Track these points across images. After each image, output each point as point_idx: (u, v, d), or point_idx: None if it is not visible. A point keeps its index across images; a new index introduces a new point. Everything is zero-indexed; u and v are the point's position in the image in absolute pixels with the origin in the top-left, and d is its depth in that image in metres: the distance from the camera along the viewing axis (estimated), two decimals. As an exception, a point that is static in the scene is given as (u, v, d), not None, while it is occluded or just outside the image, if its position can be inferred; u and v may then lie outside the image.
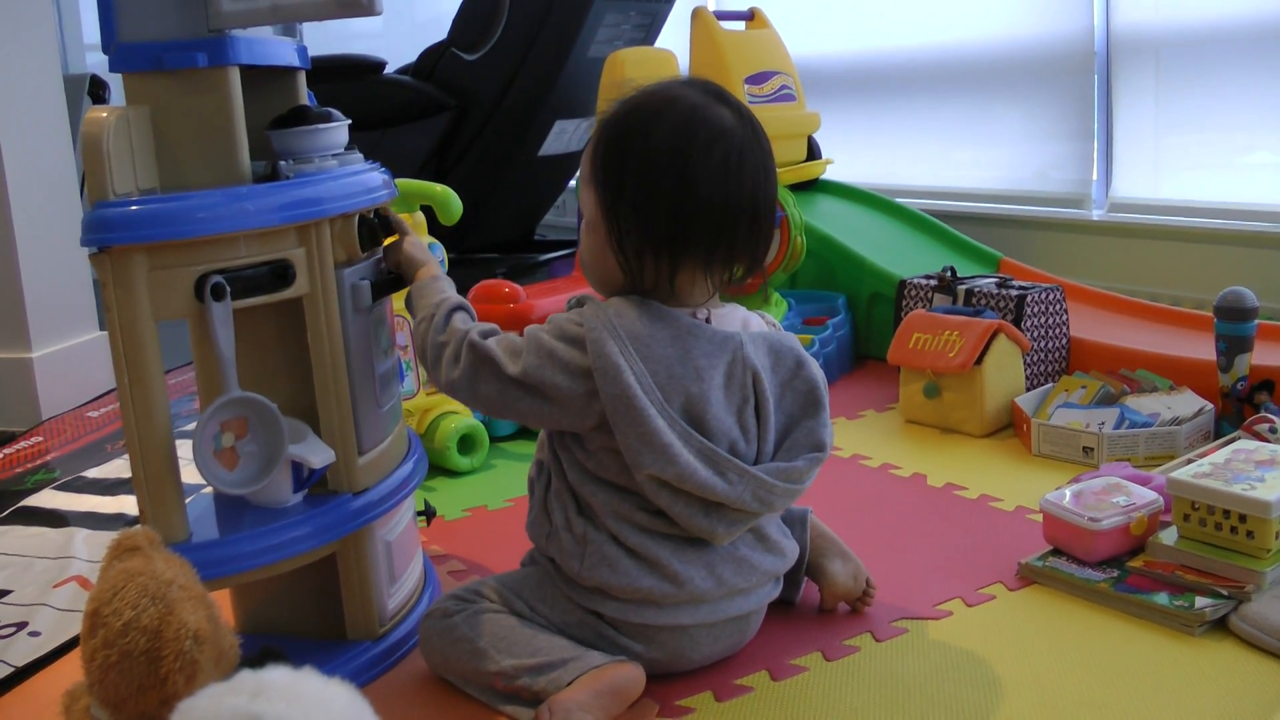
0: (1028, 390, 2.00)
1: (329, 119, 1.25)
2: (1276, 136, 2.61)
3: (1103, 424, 1.81)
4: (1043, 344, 2.05)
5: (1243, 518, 1.32)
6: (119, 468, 2.02)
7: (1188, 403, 1.85)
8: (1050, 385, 2.00)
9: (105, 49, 1.11)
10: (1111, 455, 1.76)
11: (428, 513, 1.50)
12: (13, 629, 1.40)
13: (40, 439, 2.23)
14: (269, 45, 1.20)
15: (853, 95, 3.55)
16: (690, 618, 1.17)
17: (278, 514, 1.17)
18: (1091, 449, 1.77)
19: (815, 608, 1.35)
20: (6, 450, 2.17)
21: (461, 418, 1.90)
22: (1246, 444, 1.47)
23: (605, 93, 3.29)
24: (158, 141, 1.11)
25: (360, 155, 1.29)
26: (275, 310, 1.16)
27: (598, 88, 3.61)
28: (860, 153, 3.38)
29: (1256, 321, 1.81)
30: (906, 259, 2.56)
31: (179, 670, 0.87)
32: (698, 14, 2.91)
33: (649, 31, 3.78)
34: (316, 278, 1.16)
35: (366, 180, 1.22)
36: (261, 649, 0.76)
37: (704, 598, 1.16)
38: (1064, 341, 2.11)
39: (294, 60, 1.28)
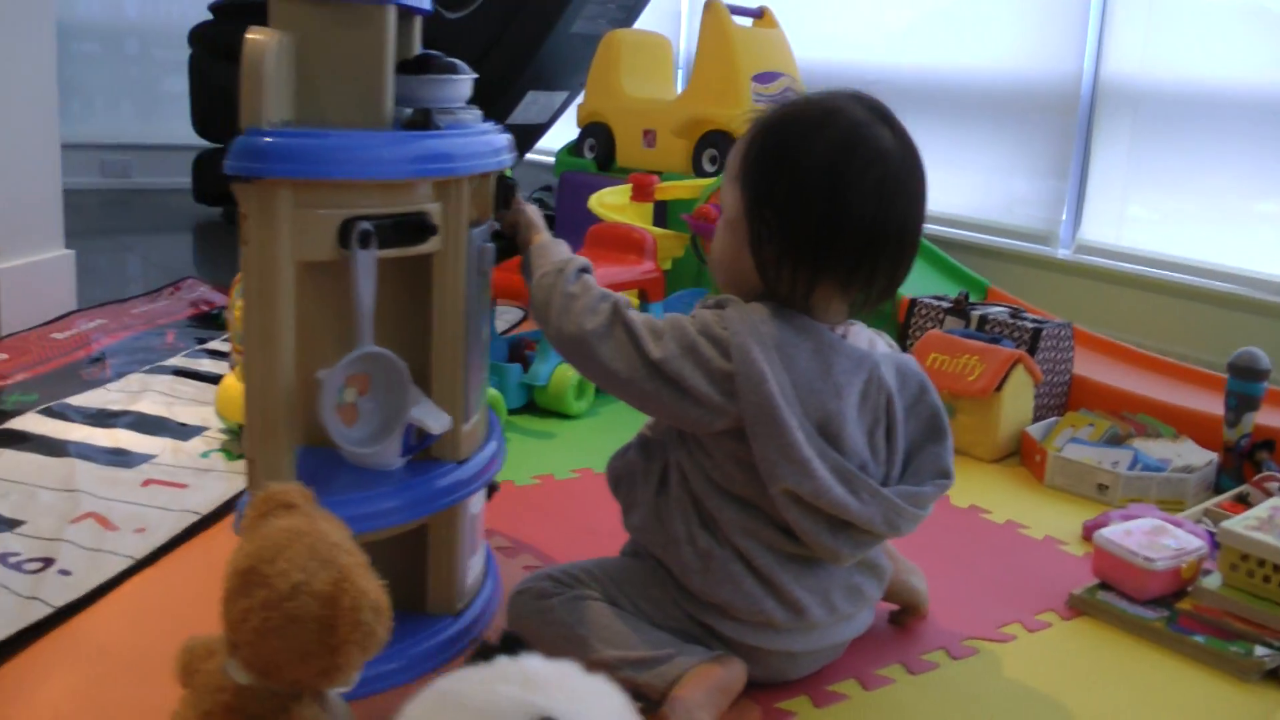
0: (1034, 421, 2.03)
1: (456, 69, 1.19)
2: (1241, 200, 2.71)
3: (1116, 463, 1.84)
4: (1050, 378, 2.09)
5: (1291, 571, 1.36)
6: (103, 398, 1.90)
7: (1194, 452, 1.90)
8: (1055, 419, 2.03)
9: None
10: (1125, 495, 1.80)
11: (493, 486, 1.44)
12: (39, 564, 1.31)
13: (4, 356, 2.09)
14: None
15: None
16: (802, 644, 1.15)
17: (376, 479, 1.10)
18: (1107, 486, 1.80)
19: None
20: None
21: None
22: (1284, 500, 1.51)
23: (596, 71, 3.25)
24: (300, 73, 1.04)
25: (479, 112, 1.23)
26: (387, 266, 1.09)
27: (577, 63, 3.57)
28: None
29: (1267, 384, 1.88)
30: (899, 277, 2.58)
31: (355, 642, 0.81)
32: (711, 6, 2.89)
33: (630, 13, 3.74)
34: (450, 235, 1.10)
35: (496, 140, 1.16)
36: (504, 634, 0.71)
37: (817, 625, 1.15)
38: (1067, 378, 2.15)
39: (423, 2, 1.21)
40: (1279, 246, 2.62)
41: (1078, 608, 1.43)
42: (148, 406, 1.87)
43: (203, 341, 2.29)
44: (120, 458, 1.65)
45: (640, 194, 2.57)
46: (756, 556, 1.12)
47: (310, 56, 1.03)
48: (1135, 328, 2.73)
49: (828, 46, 3.59)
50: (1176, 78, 2.80)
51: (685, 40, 4.11)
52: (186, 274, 2.90)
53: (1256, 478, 1.77)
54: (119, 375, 2.02)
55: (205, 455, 1.69)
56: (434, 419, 1.10)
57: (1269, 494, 1.72)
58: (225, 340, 2.32)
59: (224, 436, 1.77)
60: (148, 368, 2.08)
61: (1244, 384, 1.88)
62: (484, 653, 0.69)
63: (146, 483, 1.57)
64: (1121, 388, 2.12)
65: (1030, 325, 2.09)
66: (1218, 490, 1.88)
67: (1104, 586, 1.46)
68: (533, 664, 0.67)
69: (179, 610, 1.26)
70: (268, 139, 0.96)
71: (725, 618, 1.13)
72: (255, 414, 1.02)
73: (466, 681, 0.66)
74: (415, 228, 1.06)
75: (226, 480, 1.60)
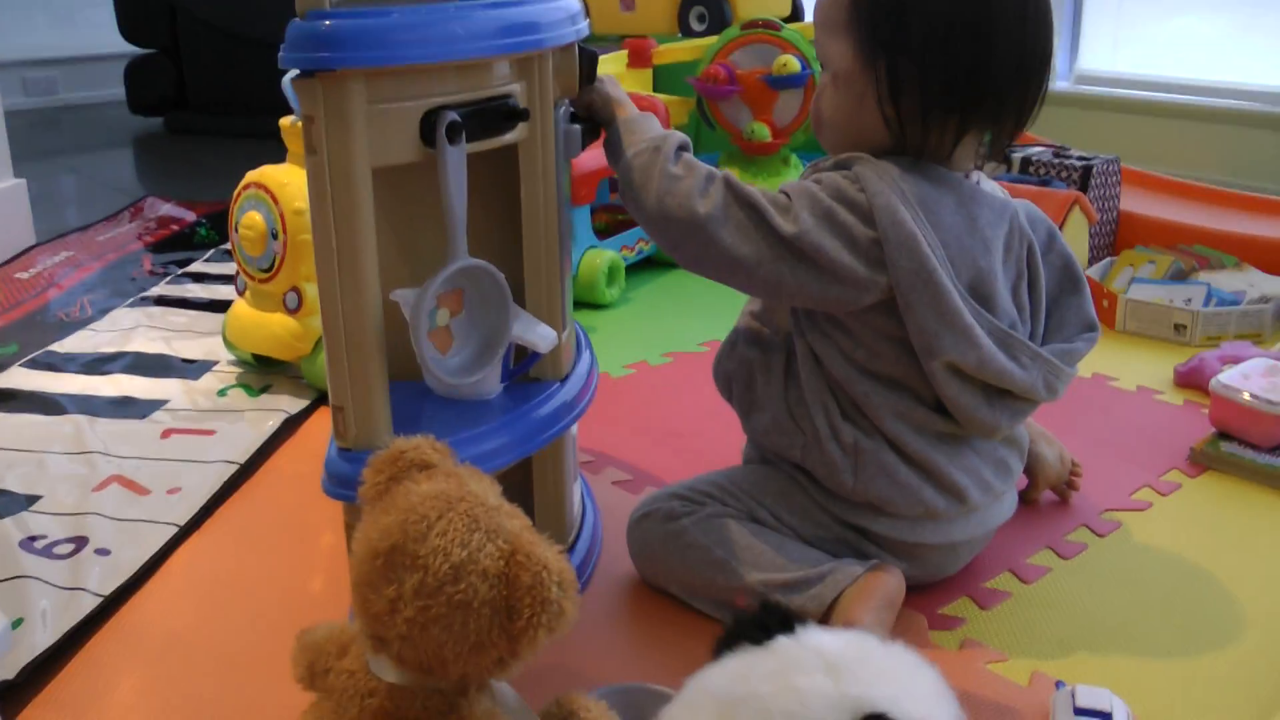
0: (1090, 265, 1.92)
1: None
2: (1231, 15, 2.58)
3: (1189, 300, 1.74)
4: (1101, 216, 1.97)
5: None
6: (92, 341, 1.71)
7: (1264, 280, 1.80)
8: (1110, 259, 1.92)
9: None
10: (1204, 334, 1.70)
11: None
12: (71, 545, 1.15)
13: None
14: None
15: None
16: (962, 532, 1.04)
17: (477, 413, 0.96)
18: (1185, 326, 1.70)
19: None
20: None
21: None
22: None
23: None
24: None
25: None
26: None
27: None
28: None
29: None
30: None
31: (543, 625, 0.67)
32: None
33: None
34: (537, 120, 0.93)
35: (571, 4, 0.98)
36: (762, 604, 0.57)
37: (976, 507, 1.04)
38: (1114, 215, 2.04)
39: None
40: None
41: (1202, 463, 1.34)
42: (143, 344, 1.69)
43: (184, 264, 2.09)
44: (129, 408, 1.48)
45: (637, 60, 2.37)
46: (910, 441, 1.00)
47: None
48: (1150, 157, 2.61)
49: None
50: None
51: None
52: (137, 192, 2.67)
53: (1341, 302, 1.67)
54: (102, 313, 1.83)
55: (223, 393, 1.53)
56: (539, 335, 0.96)
57: (1358, 318, 1.63)
58: (207, 260, 2.12)
59: (238, 369, 1.60)
60: (130, 300, 1.89)
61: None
62: (744, 632, 0.56)
63: (167, 433, 1.41)
64: (1172, 219, 2.01)
65: (1078, 163, 1.96)
66: (1291, 318, 1.79)
67: (1224, 436, 1.36)
68: (822, 641, 0.54)
69: (245, 583, 1.12)
70: (331, 22, 0.78)
71: (881, 515, 1.02)
72: (339, 351, 0.87)
73: (751, 678, 0.53)
74: (503, 113, 0.89)
75: (255, 420, 1.44)
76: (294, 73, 1.43)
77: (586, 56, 0.98)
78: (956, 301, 0.96)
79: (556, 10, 0.93)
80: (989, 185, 1.06)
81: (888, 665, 0.53)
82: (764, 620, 0.56)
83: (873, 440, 1.00)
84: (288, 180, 1.46)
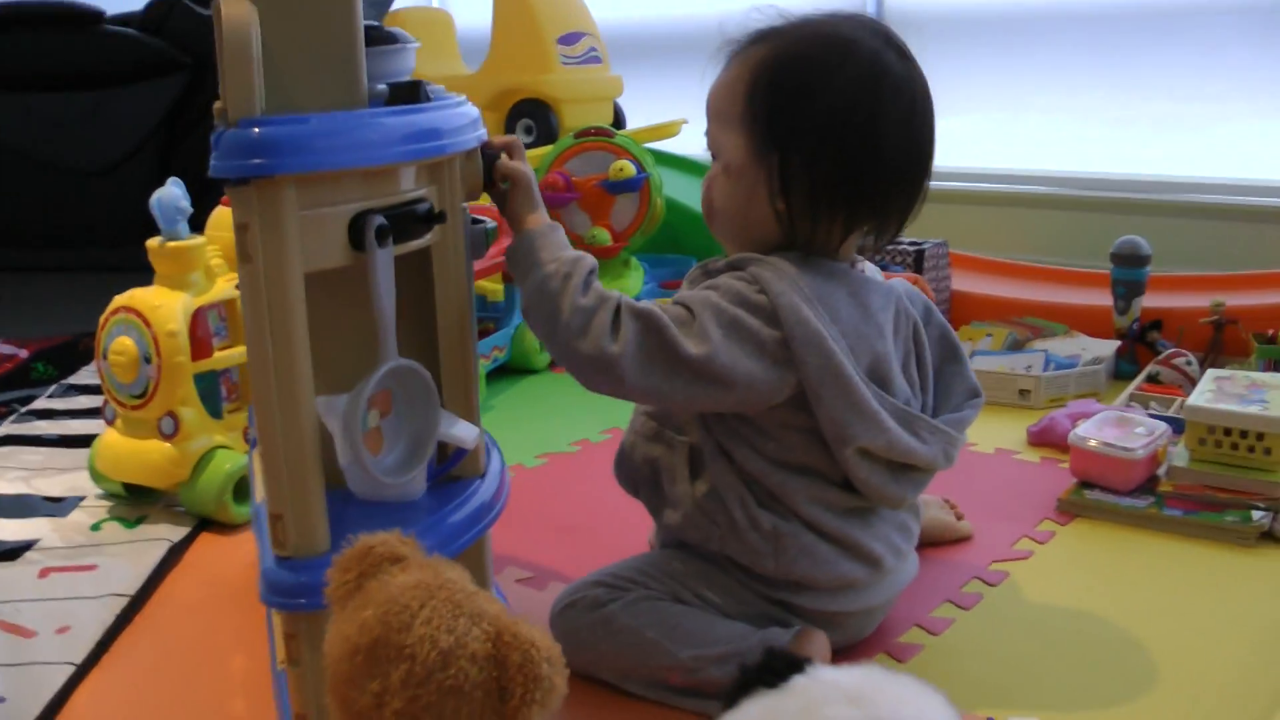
0: (932, 340, 2.04)
1: (398, 39, 1.04)
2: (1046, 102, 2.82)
3: (1030, 367, 1.87)
4: (937, 296, 2.10)
5: (1260, 436, 1.40)
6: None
7: (1094, 344, 1.95)
8: (950, 334, 2.04)
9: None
10: (1047, 397, 1.82)
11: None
12: None
13: None
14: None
15: (652, 60, 3.48)
16: (879, 596, 1.09)
17: (404, 516, 0.95)
18: (1029, 390, 1.83)
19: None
20: None
21: (235, 454, 1.47)
22: (1219, 373, 1.56)
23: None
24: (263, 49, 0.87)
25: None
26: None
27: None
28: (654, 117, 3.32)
29: (1149, 268, 1.95)
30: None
31: (537, 701, 0.68)
32: (501, -32, 2.75)
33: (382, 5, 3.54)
34: (449, 222, 0.96)
35: (471, 109, 1.02)
36: (766, 649, 0.60)
37: (889, 571, 1.09)
38: (948, 295, 2.17)
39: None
40: (1079, 142, 2.76)
41: (1070, 511, 1.44)
42: (0, 486, 1.61)
43: (26, 402, 2.00)
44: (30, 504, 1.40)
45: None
46: (826, 521, 1.04)
47: (270, 29, 0.87)
48: (971, 241, 2.80)
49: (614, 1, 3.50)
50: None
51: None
52: (-44, 333, 2.54)
53: (1162, 356, 1.83)
54: (-55, 458, 1.73)
55: (96, 528, 1.46)
56: (462, 431, 0.97)
57: (1179, 370, 1.79)
58: (51, 397, 2.03)
59: (108, 502, 1.54)
60: (-25, 443, 1.79)
61: (1129, 271, 1.95)
62: (756, 679, 0.58)
63: (44, 572, 1.34)
64: (1003, 295, 2.16)
65: (910, 248, 2.09)
66: (1117, 376, 1.94)
67: (1086, 485, 1.47)
68: (836, 676, 0.57)
69: (159, 715, 1.07)
70: (262, 129, 0.79)
71: (803, 590, 1.06)
72: (275, 460, 0.86)
73: (779, 717, 0.55)
74: (421, 217, 0.91)
75: (138, 550, 1.39)
76: (165, 190, 1.43)
77: (488, 160, 1.02)
78: (863, 390, 1.00)
79: (460, 116, 0.96)
80: (870, 269, 1.13)
81: (902, 691, 0.56)
82: (772, 665, 0.58)
83: (790, 524, 1.04)
84: (159, 303, 1.43)
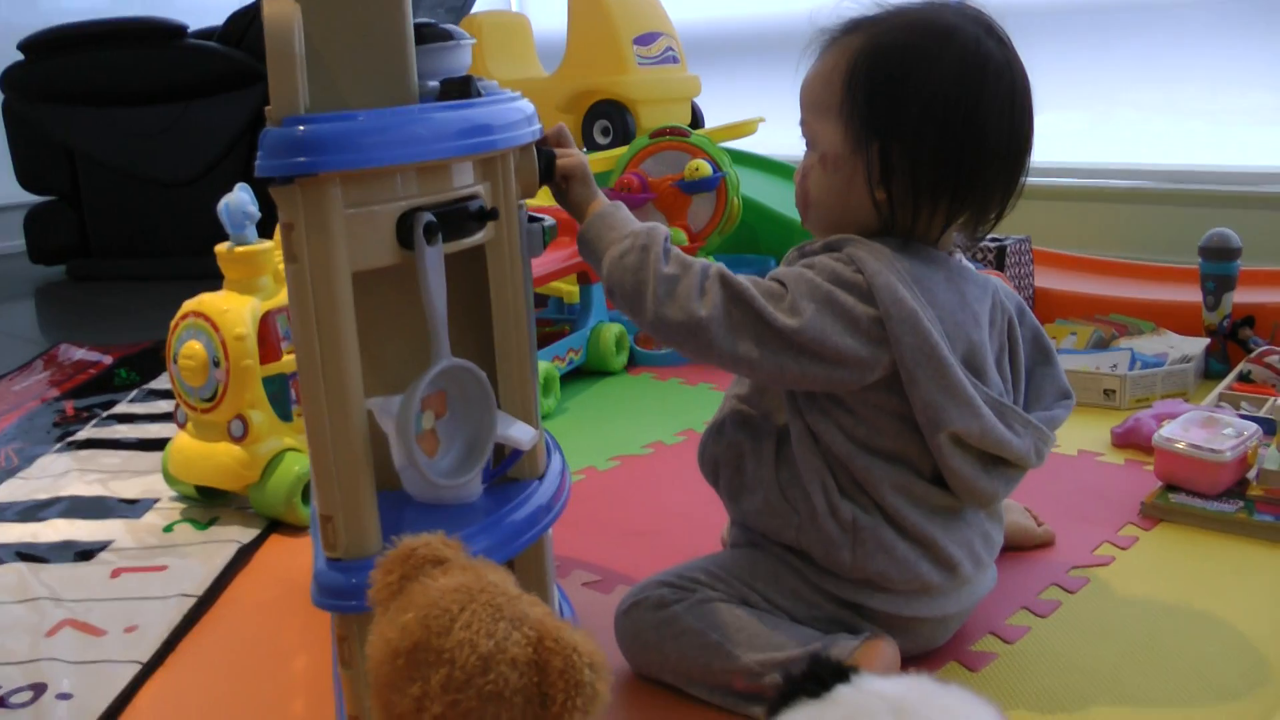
0: (1012, 339, 1.98)
1: (453, 36, 1.04)
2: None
3: (1115, 366, 1.81)
4: (1019, 294, 2.04)
5: (1360, 437, 1.33)
6: (24, 489, 1.65)
7: (1183, 342, 1.88)
8: (1031, 333, 1.99)
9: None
10: (1133, 397, 1.76)
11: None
12: (30, 693, 1.10)
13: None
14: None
15: (729, 59, 3.46)
16: (955, 605, 1.06)
17: (460, 518, 0.94)
18: (1114, 391, 1.76)
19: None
20: None
21: (304, 457, 1.46)
22: (1315, 370, 1.48)
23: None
24: (310, 48, 0.87)
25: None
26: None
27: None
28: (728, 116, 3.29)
29: (1240, 262, 1.87)
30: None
31: (579, 709, 0.66)
32: (575, -29, 2.75)
33: (465, 3, 3.56)
34: (503, 220, 0.94)
35: (526, 105, 1.00)
36: (811, 660, 0.57)
37: (967, 580, 1.05)
38: (1030, 292, 2.11)
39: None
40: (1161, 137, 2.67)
41: (1155, 515, 1.38)
42: (79, 488, 1.64)
43: (107, 407, 2.04)
44: (73, 551, 1.42)
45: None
46: (908, 515, 1.01)
47: (319, 27, 0.87)
48: (1053, 238, 2.73)
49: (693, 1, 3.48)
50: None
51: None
52: (44, 342, 2.61)
53: (1255, 354, 1.75)
54: (29, 461, 1.77)
55: (169, 529, 1.48)
56: (520, 432, 0.95)
57: (1272, 368, 1.71)
58: (131, 401, 2.07)
59: (181, 505, 1.56)
60: (58, 447, 1.83)
61: (1219, 265, 1.87)
62: (800, 688, 0.56)
63: (116, 573, 1.36)
64: (1087, 292, 2.09)
65: (992, 245, 2.04)
66: (1207, 375, 1.87)
67: (1172, 489, 1.41)
68: (883, 686, 0.54)
69: (222, 715, 1.08)
70: (306, 127, 0.79)
71: (878, 591, 1.03)
72: (325, 461, 0.85)
73: (822, 729, 0.52)
74: (472, 214, 0.90)
75: (208, 552, 1.40)
76: (232, 195, 1.45)
77: (544, 156, 1.00)
78: (959, 374, 0.98)
79: (514, 111, 0.95)
80: (967, 262, 1.10)
81: (950, 703, 0.53)
82: (817, 673, 0.56)
83: (871, 516, 1.01)
84: (227, 307, 1.44)
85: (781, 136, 3.03)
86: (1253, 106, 2.59)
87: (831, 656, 0.60)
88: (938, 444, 0.99)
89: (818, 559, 1.03)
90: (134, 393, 2.13)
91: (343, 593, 0.85)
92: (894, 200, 1.00)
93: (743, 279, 0.98)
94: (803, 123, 1.07)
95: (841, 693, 0.54)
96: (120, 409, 2.03)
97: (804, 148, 1.08)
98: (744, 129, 2.70)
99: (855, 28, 1.03)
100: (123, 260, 3.43)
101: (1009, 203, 1.04)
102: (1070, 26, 2.78)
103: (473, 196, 0.91)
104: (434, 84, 0.94)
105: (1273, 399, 1.60)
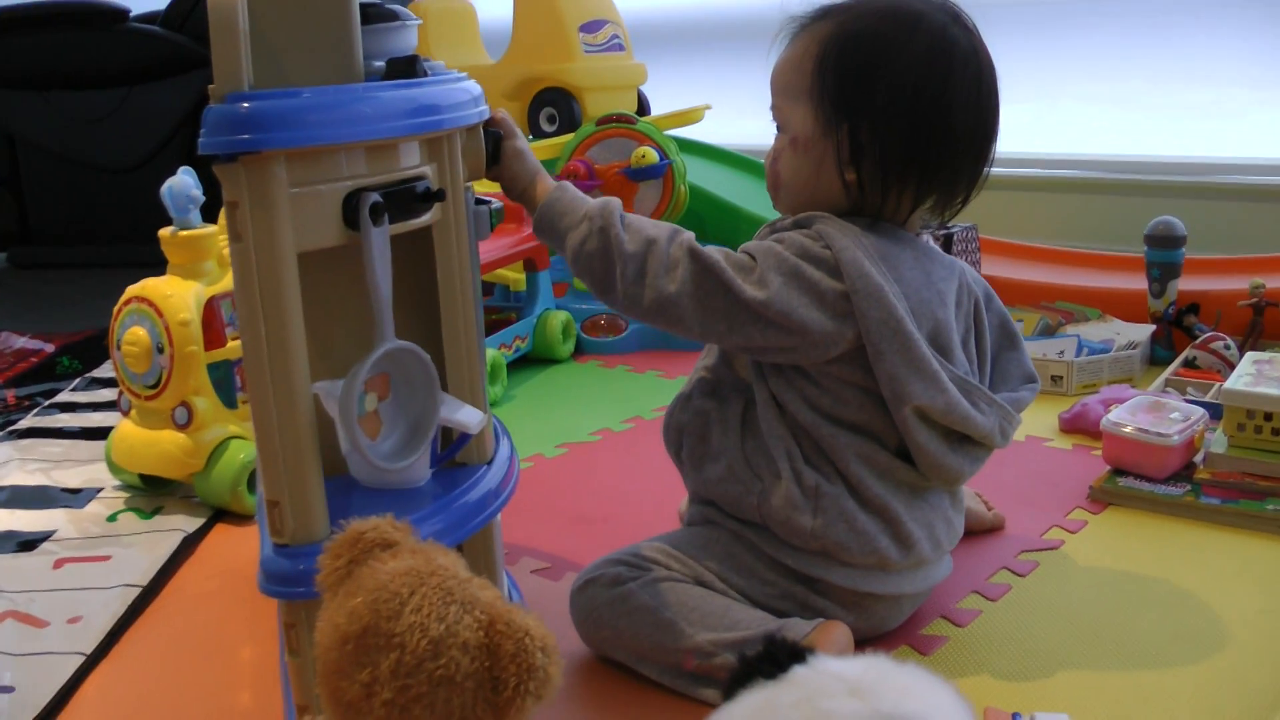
0: (962, 326, 1.99)
1: (398, 16, 1.02)
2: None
3: (1062, 352, 1.82)
4: (967, 280, 2.05)
5: (1301, 420, 1.35)
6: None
7: (1129, 328, 1.90)
8: (980, 320, 2.00)
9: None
10: (1080, 383, 1.77)
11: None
12: (-32, 689, 1.07)
13: None
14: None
15: (674, 47, 3.44)
16: (910, 585, 1.06)
17: (408, 502, 0.93)
18: (1061, 377, 1.78)
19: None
20: None
21: (250, 444, 1.44)
22: (1259, 356, 1.50)
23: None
24: (253, 26, 0.84)
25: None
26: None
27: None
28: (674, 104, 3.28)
29: (1184, 250, 1.89)
30: (769, 205, 2.50)
31: (530, 693, 0.65)
32: (523, -43, 2.72)
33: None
34: (450, 201, 0.93)
35: (473, 86, 0.99)
36: (766, 641, 0.57)
37: (925, 561, 1.06)
38: (979, 278, 2.12)
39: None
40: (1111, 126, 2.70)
41: (1103, 499, 1.40)
42: (20, 478, 1.60)
43: (49, 396, 2.00)
44: (14, 542, 1.39)
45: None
46: (871, 485, 1.02)
47: (263, 4, 0.85)
48: (998, 227, 2.75)
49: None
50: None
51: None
52: (-17, 329, 2.55)
53: (1200, 340, 1.77)
54: (-33, 450, 1.73)
55: (113, 519, 1.45)
56: (466, 416, 0.94)
57: (1217, 354, 1.73)
58: (74, 390, 2.03)
59: (125, 494, 1.53)
60: (-2, 436, 1.79)
61: (1164, 253, 1.89)
62: (756, 669, 0.55)
63: (59, 563, 1.33)
64: (1034, 279, 2.11)
65: (939, 232, 2.05)
66: (1152, 362, 1.89)
67: (1119, 472, 1.42)
68: (839, 666, 0.54)
69: (167, 706, 1.06)
70: (251, 104, 0.77)
71: (834, 564, 1.03)
72: (271, 445, 0.83)
73: (778, 710, 0.52)
74: (419, 195, 0.89)
75: (152, 541, 1.37)
76: (176, 178, 1.42)
77: (491, 137, 0.99)
78: (923, 348, 1.00)
79: (460, 91, 0.94)
80: (934, 245, 1.11)
81: (908, 682, 0.53)
82: (773, 654, 0.55)
83: (834, 486, 1.02)
84: (171, 292, 1.42)
85: (728, 125, 3.06)
86: (1196, 101, 2.62)
87: (787, 638, 0.59)
88: (903, 418, 1.00)
89: (777, 528, 1.03)
90: (76, 381, 2.09)
91: (290, 579, 0.84)
92: (863, 181, 1.02)
93: (712, 250, 0.99)
94: (774, 107, 1.08)
95: (798, 673, 0.54)
96: (63, 398, 1.99)
97: (772, 132, 1.09)
98: (690, 116, 2.68)
99: (825, 15, 1.05)
100: (65, 247, 3.36)
101: (976, 186, 1.06)
102: (1015, 20, 2.81)
103: (419, 177, 0.89)
104: (379, 64, 0.93)
105: (1218, 384, 1.62)
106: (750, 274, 0.98)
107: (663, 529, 1.24)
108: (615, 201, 1.02)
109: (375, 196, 0.83)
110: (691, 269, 0.98)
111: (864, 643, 1.06)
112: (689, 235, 1.00)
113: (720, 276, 0.98)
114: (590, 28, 2.72)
